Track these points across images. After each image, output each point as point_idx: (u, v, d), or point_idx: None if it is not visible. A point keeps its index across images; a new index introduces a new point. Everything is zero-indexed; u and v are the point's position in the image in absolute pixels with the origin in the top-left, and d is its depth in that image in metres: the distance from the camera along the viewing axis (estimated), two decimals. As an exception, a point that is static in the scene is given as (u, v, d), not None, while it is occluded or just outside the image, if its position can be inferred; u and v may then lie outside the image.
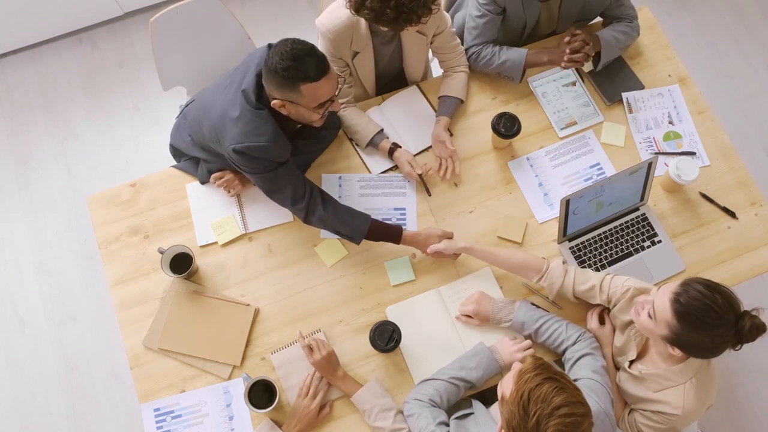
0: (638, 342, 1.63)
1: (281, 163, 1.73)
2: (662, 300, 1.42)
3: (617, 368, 1.71)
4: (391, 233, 1.83)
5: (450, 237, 1.85)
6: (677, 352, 1.45)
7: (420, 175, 1.96)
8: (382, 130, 2.02)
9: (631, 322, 1.64)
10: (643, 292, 1.62)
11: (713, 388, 1.57)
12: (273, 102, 1.62)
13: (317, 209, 1.78)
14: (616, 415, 1.70)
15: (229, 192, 1.95)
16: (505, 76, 2.08)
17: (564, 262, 1.73)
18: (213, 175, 1.95)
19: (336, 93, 1.65)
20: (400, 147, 2.00)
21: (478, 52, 2.06)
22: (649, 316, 1.45)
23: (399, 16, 1.64)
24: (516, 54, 2.03)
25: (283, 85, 1.56)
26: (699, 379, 1.53)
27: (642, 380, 1.60)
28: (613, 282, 1.66)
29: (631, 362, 1.65)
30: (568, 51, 1.95)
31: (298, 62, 1.52)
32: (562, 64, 1.97)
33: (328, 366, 1.71)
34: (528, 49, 2.05)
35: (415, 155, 2.02)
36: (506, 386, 1.30)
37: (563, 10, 2.05)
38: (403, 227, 1.86)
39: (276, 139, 1.66)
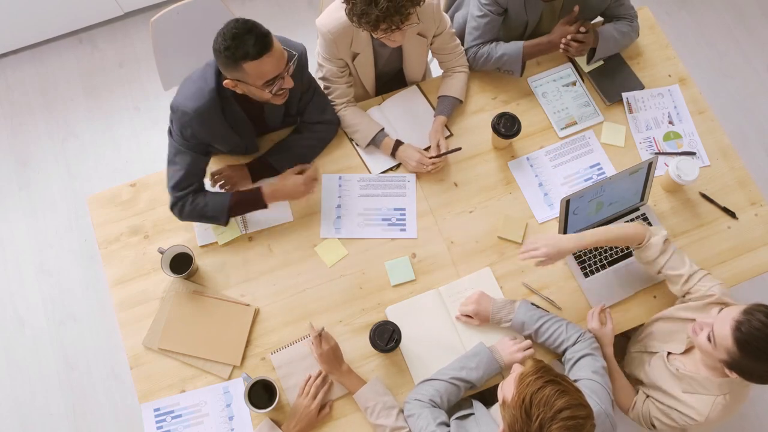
0: (689, 341, 1.63)
1: (191, 146, 1.76)
2: (723, 327, 1.41)
3: (649, 352, 1.71)
4: (253, 200, 1.85)
5: (314, 177, 1.87)
6: (734, 376, 1.44)
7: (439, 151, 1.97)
8: (383, 129, 2.02)
9: (692, 319, 1.63)
10: (723, 303, 1.59)
11: (739, 407, 1.57)
12: (225, 82, 1.64)
13: (185, 207, 1.82)
14: (623, 404, 1.72)
15: (224, 189, 1.96)
16: (506, 71, 2.08)
17: (666, 240, 1.69)
18: (211, 173, 1.96)
19: (286, 69, 1.64)
20: (404, 143, 2.00)
21: (476, 51, 2.06)
22: (708, 339, 1.45)
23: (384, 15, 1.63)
24: (513, 46, 2.03)
25: (227, 65, 1.59)
26: (733, 396, 1.53)
27: (676, 378, 1.60)
28: (702, 282, 1.64)
29: (669, 354, 1.65)
30: (569, 37, 1.96)
31: (237, 41, 1.53)
32: (561, 45, 1.98)
33: (334, 359, 1.71)
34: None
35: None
36: (507, 390, 1.30)
37: (565, 9, 2.05)
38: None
39: (202, 116, 1.69)
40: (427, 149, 2.04)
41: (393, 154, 2.01)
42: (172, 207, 1.83)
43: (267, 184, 1.87)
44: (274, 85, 1.64)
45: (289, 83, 1.67)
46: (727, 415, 1.54)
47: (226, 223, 1.87)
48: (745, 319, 1.38)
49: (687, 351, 1.64)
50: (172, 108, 1.72)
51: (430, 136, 2.02)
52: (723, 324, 1.41)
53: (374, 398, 1.67)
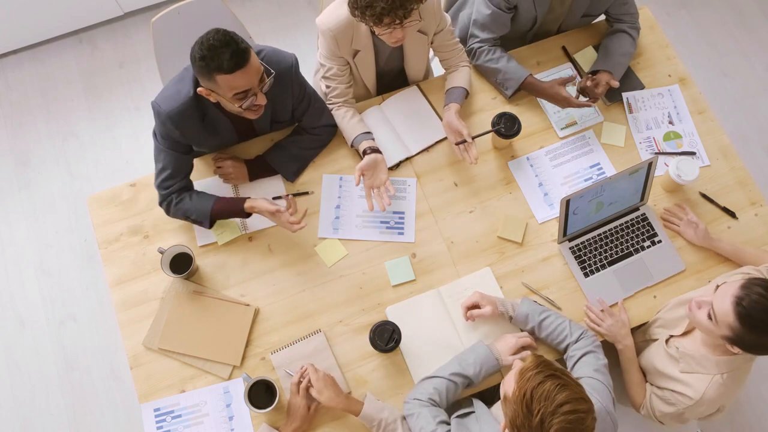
0: (689, 322, 1.64)
1: (169, 145, 1.77)
2: (723, 303, 1.42)
3: (653, 340, 1.73)
4: (235, 211, 1.86)
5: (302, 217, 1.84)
6: (737, 350, 1.46)
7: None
8: (365, 132, 1.97)
9: None
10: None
11: (735, 392, 1.58)
12: (199, 90, 1.64)
13: (171, 206, 1.85)
14: (636, 401, 1.74)
15: (223, 179, 1.98)
16: (499, 85, 2.07)
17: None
18: (213, 158, 1.98)
19: (260, 86, 1.63)
20: (377, 153, 1.92)
21: (483, 49, 2.05)
22: (709, 317, 1.46)
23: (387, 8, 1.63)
24: (516, 72, 2.02)
25: (201, 74, 1.59)
26: (731, 377, 1.54)
27: (674, 359, 1.62)
28: None
29: (669, 338, 1.67)
30: (576, 98, 1.98)
31: (212, 53, 1.53)
32: (585, 102, 1.97)
33: (336, 396, 1.65)
34: (531, 71, 2.05)
35: (415, 154, 2.03)
36: (508, 385, 1.30)
37: (575, 3, 2.03)
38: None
39: (174, 118, 1.70)
40: (424, 151, 2.03)
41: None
42: (161, 204, 1.87)
43: (251, 199, 1.85)
44: (246, 99, 1.64)
45: (261, 100, 1.67)
46: (721, 396, 1.55)
47: (210, 227, 1.88)
48: (744, 294, 1.39)
49: (687, 333, 1.65)
50: (152, 106, 1.74)
51: (448, 126, 1.95)
52: (723, 300, 1.42)
53: (377, 416, 1.64)
